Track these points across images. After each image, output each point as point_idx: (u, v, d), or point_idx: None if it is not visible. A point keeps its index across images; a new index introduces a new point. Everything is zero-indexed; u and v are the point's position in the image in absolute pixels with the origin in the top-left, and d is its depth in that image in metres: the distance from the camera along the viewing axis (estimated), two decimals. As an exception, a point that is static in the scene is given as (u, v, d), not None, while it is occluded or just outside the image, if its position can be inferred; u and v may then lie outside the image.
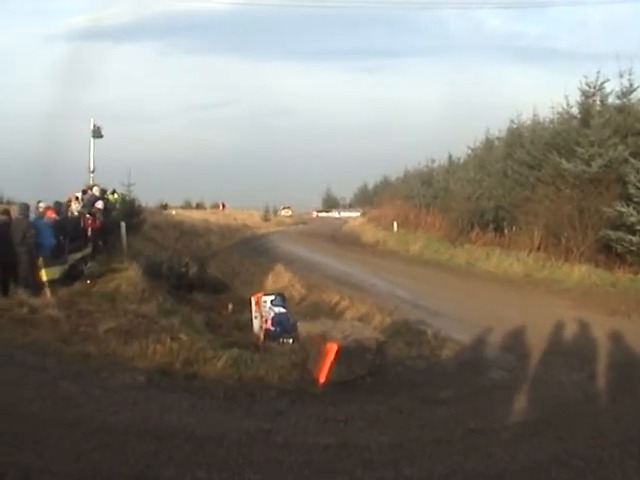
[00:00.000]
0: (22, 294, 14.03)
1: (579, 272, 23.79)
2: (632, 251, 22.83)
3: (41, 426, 7.35)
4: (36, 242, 15.48)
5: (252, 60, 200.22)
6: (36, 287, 14.87)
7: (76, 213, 19.97)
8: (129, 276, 17.44)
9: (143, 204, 35.80)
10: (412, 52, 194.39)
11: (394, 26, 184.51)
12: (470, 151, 45.85)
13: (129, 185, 31.06)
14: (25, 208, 16.11)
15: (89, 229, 20.26)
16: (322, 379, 10.11)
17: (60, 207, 18.63)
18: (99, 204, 22.31)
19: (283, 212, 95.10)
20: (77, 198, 22.88)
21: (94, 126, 30.42)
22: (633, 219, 22.51)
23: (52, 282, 15.41)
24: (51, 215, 16.89)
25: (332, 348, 10.18)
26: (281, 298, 15.18)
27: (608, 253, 24.45)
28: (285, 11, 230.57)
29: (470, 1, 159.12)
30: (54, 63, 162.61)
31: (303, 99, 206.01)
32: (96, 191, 24.63)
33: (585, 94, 28.83)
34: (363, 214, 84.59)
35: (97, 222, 21.02)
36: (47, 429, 7.28)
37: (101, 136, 30.99)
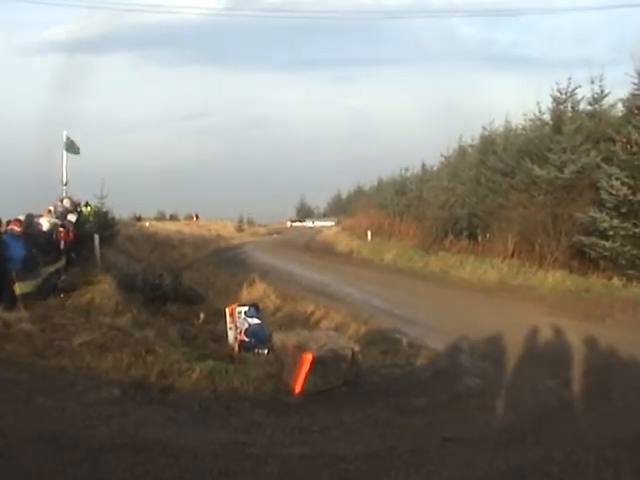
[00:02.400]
0: (-5, 308, 13.92)
1: (553, 278, 23.93)
2: (605, 256, 22.99)
3: (15, 441, 7.28)
4: (5, 256, 15.35)
5: (227, 71, 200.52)
6: (9, 301, 14.74)
7: (47, 225, 19.78)
8: (103, 289, 17.33)
9: (117, 216, 35.72)
10: (387, 61, 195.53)
11: (368, 36, 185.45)
12: (443, 159, 46.24)
13: (102, 197, 30.89)
14: (-6, 221, 16.01)
15: (62, 242, 20.09)
16: (297, 389, 10.10)
17: (30, 219, 18.47)
18: (71, 217, 22.18)
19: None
20: (50, 211, 22.75)
21: (67, 139, 30.05)
22: (606, 224, 22.65)
23: (25, 296, 15.26)
24: (15, 228, 16.70)
25: (307, 358, 10.17)
26: (255, 309, 15.18)
27: (582, 259, 24.63)
28: (260, 22, 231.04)
29: (442, 10, 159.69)
30: (28, 75, 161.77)
31: (278, 109, 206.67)
32: (67, 203, 24.49)
33: (557, 101, 29.19)
34: (337, 223, 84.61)
35: (70, 235, 20.85)
36: (21, 444, 7.21)
37: (75, 151, 30.50)
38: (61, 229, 20.27)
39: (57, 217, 21.71)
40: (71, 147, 29.46)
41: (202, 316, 17.76)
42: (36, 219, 19.34)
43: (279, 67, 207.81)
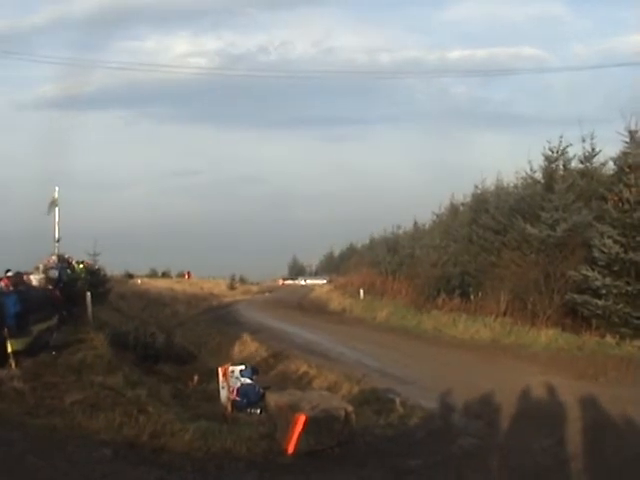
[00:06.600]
0: (-14, 366, 13.85)
1: (546, 336, 23.84)
2: (598, 314, 22.93)
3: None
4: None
5: (221, 128, 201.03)
6: (1, 358, 14.66)
7: (37, 282, 19.79)
8: (95, 347, 17.25)
9: (109, 273, 35.80)
10: (379, 120, 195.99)
11: (362, 94, 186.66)
12: (435, 217, 46.36)
13: (95, 255, 30.99)
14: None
15: (54, 299, 20.05)
16: (291, 450, 10.02)
17: (21, 276, 18.47)
18: (53, 273, 22.17)
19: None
20: (38, 268, 22.81)
21: (53, 198, 29.97)
22: (598, 283, 22.65)
23: (17, 353, 15.19)
24: (5, 285, 16.67)
25: (300, 419, 10.11)
26: (252, 370, 15.17)
27: (574, 317, 24.57)
28: (253, 81, 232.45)
29: (435, 69, 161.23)
30: (23, 131, 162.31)
31: (271, 167, 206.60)
32: (55, 260, 24.61)
33: (548, 159, 29.37)
34: (329, 281, 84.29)
35: (56, 291, 20.82)
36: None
37: (53, 210, 30.34)
38: (51, 286, 20.26)
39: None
40: (52, 206, 29.52)
41: (196, 378, 17.66)
42: (26, 276, 19.34)
43: (272, 125, 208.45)
